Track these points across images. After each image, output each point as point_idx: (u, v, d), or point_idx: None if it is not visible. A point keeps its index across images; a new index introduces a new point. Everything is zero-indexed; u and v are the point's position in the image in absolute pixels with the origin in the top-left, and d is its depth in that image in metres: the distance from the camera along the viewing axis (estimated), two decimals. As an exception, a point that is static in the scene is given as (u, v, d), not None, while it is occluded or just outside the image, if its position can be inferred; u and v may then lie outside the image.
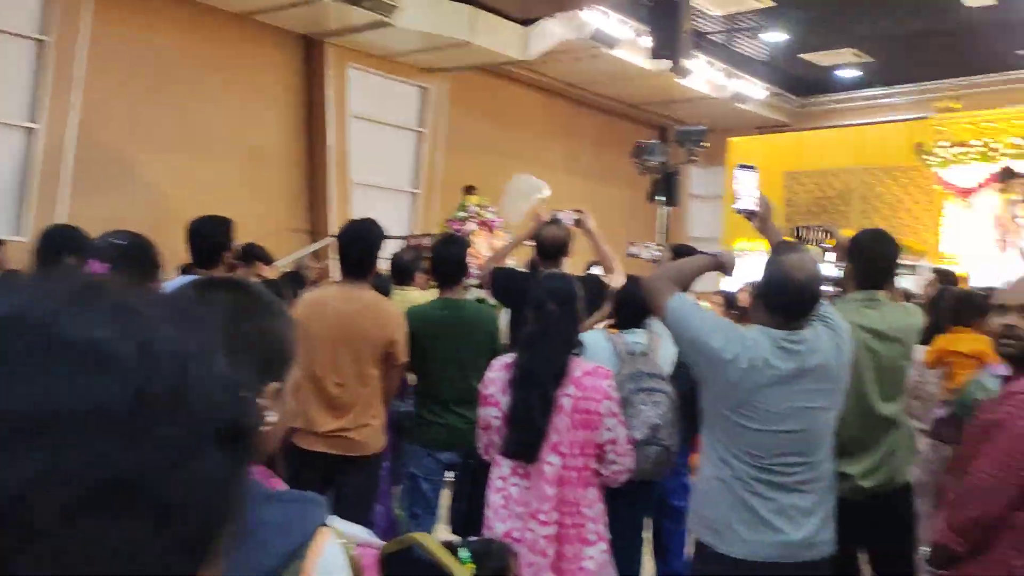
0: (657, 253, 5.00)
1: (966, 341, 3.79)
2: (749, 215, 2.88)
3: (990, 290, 5.61)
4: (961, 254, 11.03)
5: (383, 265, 4.97)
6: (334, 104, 10.94)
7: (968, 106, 12.22)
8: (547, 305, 2.73)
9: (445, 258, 4.01)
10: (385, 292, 4.14)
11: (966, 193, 11.17)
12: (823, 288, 2.71)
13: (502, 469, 2.74)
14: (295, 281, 5.58)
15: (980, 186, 10.78)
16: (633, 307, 3.78)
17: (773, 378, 2.43)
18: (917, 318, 3.31)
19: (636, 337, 3.52)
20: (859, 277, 3.17)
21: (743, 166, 2.88)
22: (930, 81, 14.18)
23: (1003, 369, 2.73)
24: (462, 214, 10.32)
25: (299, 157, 11.15)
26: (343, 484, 3.40)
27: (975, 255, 9.32)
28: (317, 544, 1.00)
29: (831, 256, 4.22)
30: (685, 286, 2.67)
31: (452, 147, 12.43)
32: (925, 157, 11.77)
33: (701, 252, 4.18)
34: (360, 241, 3.60)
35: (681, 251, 4.44)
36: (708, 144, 7.69)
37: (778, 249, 2.68)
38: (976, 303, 3.99)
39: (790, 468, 2.50)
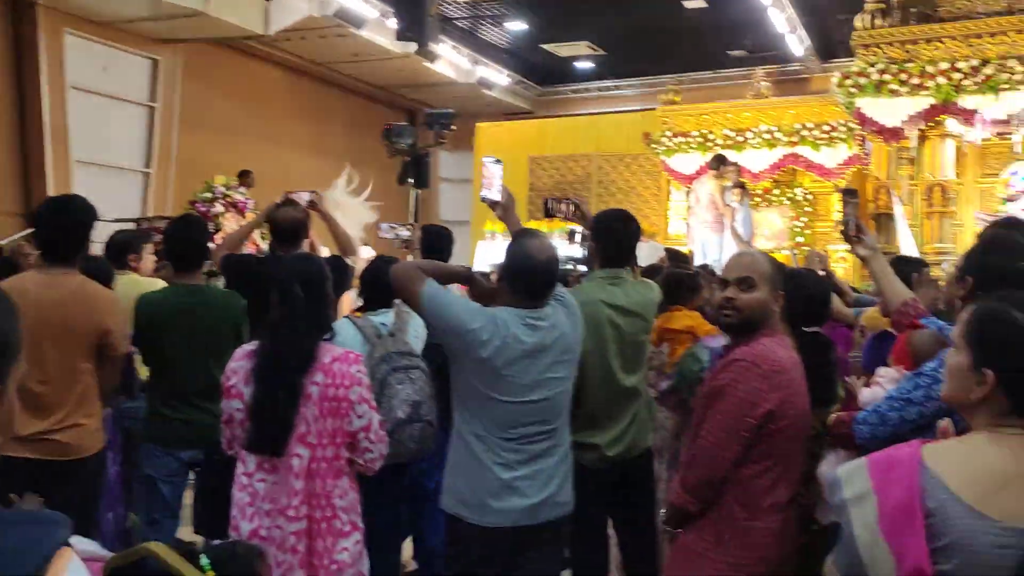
0: (406, 233, 4.98)
1: (678, 318, 4.04)
2: (493, 204, 3.05)
3: (704, 268, 6.18)
4: (686, 235, 12.10)
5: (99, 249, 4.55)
6: (48, 74, 9.85)
7: (688, 99, 13.38)
8: (293, 288, 2.62)
9: (182, 240, 3.70)
10: (107, 278, 3.72)
11: (688, 179, 12.23)
12: (569, 267, 2.95)
13: (247, 465, 2.60)
14: (7, 268, 4.96)
15: (698, 173, 11.85)
16: (380, 287, 3.75)
17: (522, 352, 2.63)
18: (656, 293, 3.52)
19: (383, 318, 3.50)
20: (603, 256, 3.35)
21: (490, 159, 3.06)
22: (656, 76, 15.35)
23: (721, 339, 3.03)
24: (208, 195, 9.73)
25: (9, 132, 9.94)
26: (55, 493, 3.05)
27: (697, 236, 10.24)
28: (55, 569, 0.91)
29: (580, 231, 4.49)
30: (432, 269, 2.81)
31: (190, 125, 11.64)
32: (653, 146, 12.74)
33: (449, 244, 4.23)
34: (60, 220, 3.18)
35: (431, 231, 4.45)
36: (456, 128, 7.78)
37: (519, 235, 2.84)
38: (685, 283, 4.27)
39: (536, 437, 2.70)
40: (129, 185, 11.13)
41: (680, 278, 4.31)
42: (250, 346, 2.68)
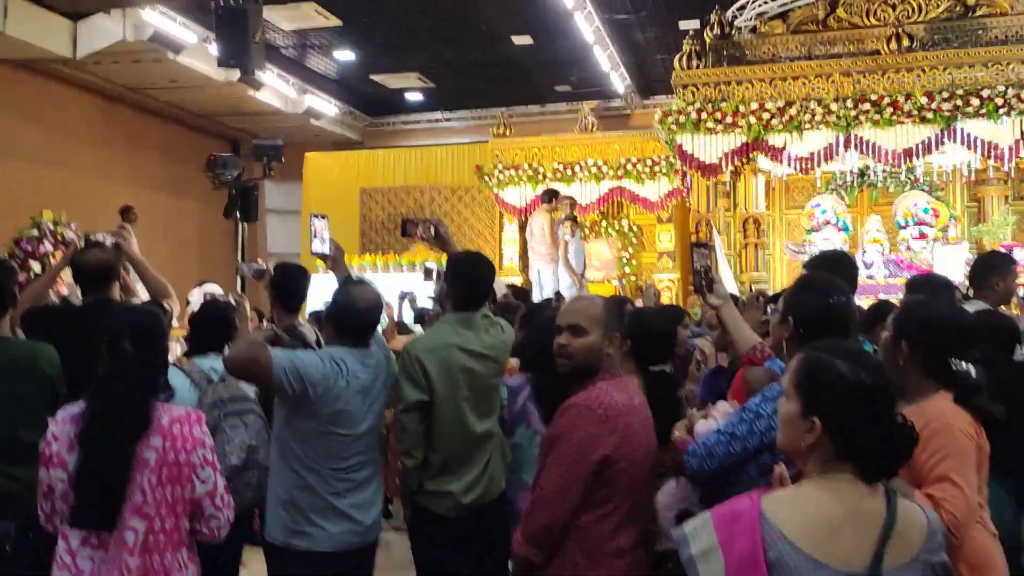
0: (258, 266, 4.64)
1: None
2: (323, 257, 3.39)
3: (551, 302, 6.27)
4: (519, 268, 12.29)
5: None
6: None
7: (518, 132, 13.65)
8: (123, 343, 2.38)
9: None
10: None
11: (520, 212, 12.44)
12: (429, 307, 3.10)
13: (71, 541, 2.33)
14: None
15: (529, 205, 12.09)
16: (209, 331, 3.56)
17: (360, 388, 2.95)
18: (509, 335, 3.48)
19: (212, 362, 3.38)
20: (456, 298, 3.28)
21: (316, 215, 3.38)
22: (485, 108, 15.58)
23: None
24: (35, 232, 8.81)
25: None
26: None
27: (533, 268, 10.41)
28: None
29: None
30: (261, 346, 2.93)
31: (-16, 154, 10.64)
32: (485, 178, 12.89)
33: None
34: None
35: (285, 272, 4.11)
36: (284, 159, 7.53)
37: (344, 283, 3.14)
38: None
39: (360, 467, 2.98)
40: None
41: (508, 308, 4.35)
42: (75, 407, 2.40)
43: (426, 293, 6.24)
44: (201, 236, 14.58)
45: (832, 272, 2.92)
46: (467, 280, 3.28)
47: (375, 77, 14.17)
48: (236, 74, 10.21)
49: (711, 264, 3.14)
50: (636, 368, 2.96)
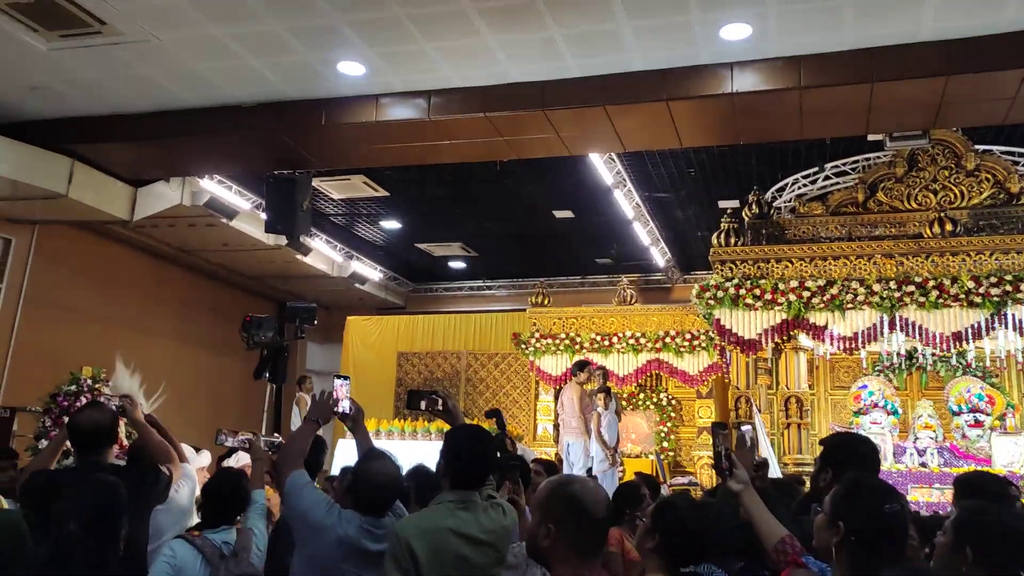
0: (245, 438, 4.53)
1: None
2: (343, 417, 3.45)
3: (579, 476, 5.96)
4: (555, 439, 11.97)
5: None
6: None
7: (557, 302, 13.71)
8: (67, 525, 2.21)
9: None
10: None
11: (556, 381, 12.27)
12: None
13: None
14: None
15: (565, 374, 11.92)
16: (222, 503, 3.41)
17: (364, 555, 2.96)
18: (512, 518, 3.20)
19: (225, 535, 3.25)
20: (453, 476, 3.01)
21: (339, 376, 3.52)
22: (525, 278, 15.77)
23: None
24: (73, 388, 8.82)
25: None
26: None
27: (563, 441, 10.10)
28: None
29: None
30: (305, 456, 3.22)
31: (37, 308, 10.93)
32: (522, 346, 12.83)
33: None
34: None
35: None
36: (318, 324, 7.56)
37: (365, 457, 3.22)
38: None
39: None
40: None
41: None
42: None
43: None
44: (242, 394, 14.59)
45: (852, 459, 2.91)
46: (465, 456, 3.02)
47: (420, 245, 14.52)
48: (284, 239, 10.52)
49: (732, 446, 2.93)
50: (664, 568, 2.65)
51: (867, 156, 10.41)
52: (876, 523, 2.22)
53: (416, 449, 9.23)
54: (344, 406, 3.42)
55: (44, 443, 8.26)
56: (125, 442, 7.40)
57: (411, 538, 2.81)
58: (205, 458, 5.36)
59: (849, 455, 2.99)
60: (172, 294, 13.78)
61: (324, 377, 16.58)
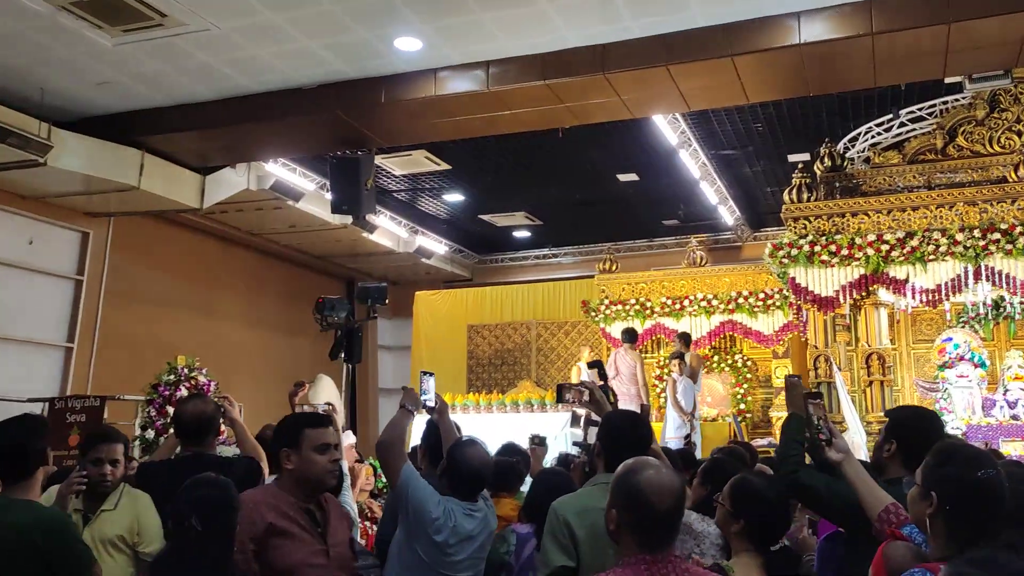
0: (326, 406, 4.66)
1: (502, 506, 4.07)
2: (429, 411, 3.70)
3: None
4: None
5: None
6: (-31, 248, 9.51)
7: (625, 267, 13.56)
8: (189, 520, 2.24)
9: (4, 445, 2.95)
10: None
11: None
12: (575, 452, 3.76)
13: None
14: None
15: (640, 339, 11.79)
16: None
17: (465, 535, 3.21)
18: None
19: None
20: (608, 459, 3.05)
21: (424, 372, 3.71)
22: (591, 244, 15.63)
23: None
24: (171, 377, 9.04)
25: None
26: None
27: (622, 405, 10.00)
28: None
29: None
30: (403, 442, 3.43)
31: (117, 298, 11.26)
32: (591, 313, 12.73)
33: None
34: None
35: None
36: (389, 301, 7.61)
37: (460, 444, 3.44)
38: (514, 470, 4.39)
39: None
40: (49, 361, 10.59)
41: (508, 466, 4.32)
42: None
43: (572, 438, 6.18)
44: (314, 374, 14.87)
45: (923, 434, 2.76)
46: (624, 442, 3.02)
47: (484, 216, 14.49)
48: (351, 218, 10.60)
49: (826, 415, 2.85)
50: (754, 548, 2.56)
51: (944, 100, 9.95)
52: (970, 491, 2.11)
53: (491, 422, 9.25)
54: (430, 399, 3.65)
55: (150, 432, 8.49)
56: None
57: (569, 516, 2.86)
58: (350, 438, 5.52)
59: (914, 428, 2.88)
60: (243, 278, 14.06)
61: (396, 352, 16.77)
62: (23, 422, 3.22)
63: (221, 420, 3.87)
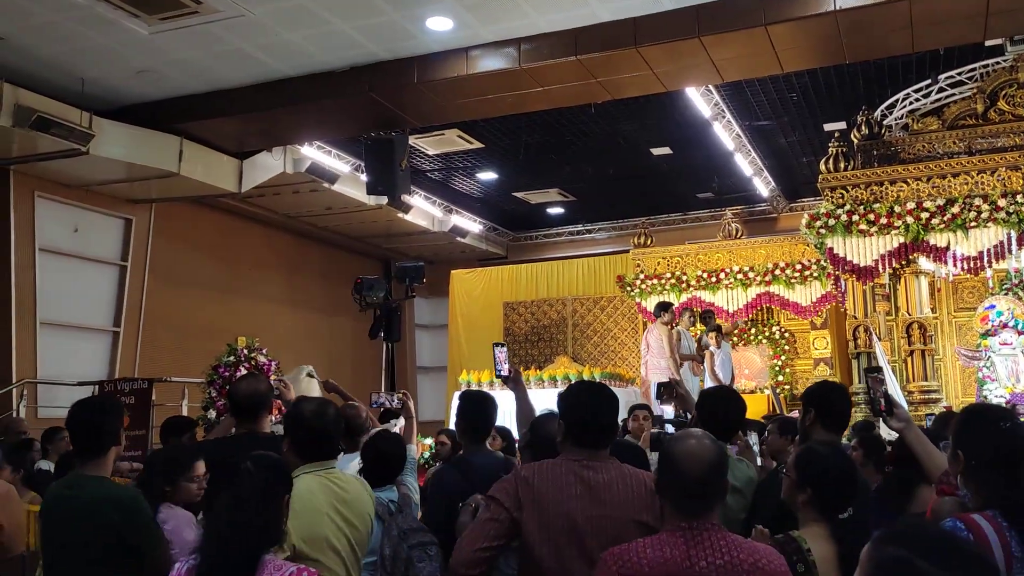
0: (397, 402, 4.78)
1: None
2: (504, 379, 3.76)
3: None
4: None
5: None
6: (17, 237, 9.75)
7: (659, 241, 13.51)
8: (243, 496, 2.29)
9: (81, 423, 3.09)
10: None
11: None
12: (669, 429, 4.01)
13: None
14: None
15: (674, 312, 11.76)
16: (382, 465, 3.61)
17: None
18: (754, 471, 3.63)
19: (389, 494, 3.47)
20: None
21: (497, 344, 3.90)
22: (625, 219, 15.57)
23: None
24: (232, 359, 9.23)
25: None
26: None
27: (652, 382, 9.96)
28: None
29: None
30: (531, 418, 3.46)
31: (160, 282, 11.51)
32: (627, 288, 12.73)
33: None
34: None
35: (470, 397, 4.15)
36: (426, 280, 7.69)
37: (545, 416, 3.32)
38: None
39: None
40: (96, 345, 10.87)
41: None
42: (190, 560, 2.32)
43: (662, 414, 6.35)
44: (354, 353, 15.06)
45: (828, 400, 3.15)
46: (716, 415, 3.40)
47: (517, 194, 14.50)
48: (386, 199, 10.70)
49: (887, 388, 3.03)
50: (821, 518, 2.56)
51: (984, 63, 9.74)
52: (990, 443, 2.23)
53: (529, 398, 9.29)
54: (503, 368, 3.73)
55: (211, 412, 8.66)
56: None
57: None
58: (400, 422, 5.60)
59: (823, 396, 3.19)
60: (283, 260, 14.26)
61: (433, 331, 16.92)
62: (99, 402, 3.36)
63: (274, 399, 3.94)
